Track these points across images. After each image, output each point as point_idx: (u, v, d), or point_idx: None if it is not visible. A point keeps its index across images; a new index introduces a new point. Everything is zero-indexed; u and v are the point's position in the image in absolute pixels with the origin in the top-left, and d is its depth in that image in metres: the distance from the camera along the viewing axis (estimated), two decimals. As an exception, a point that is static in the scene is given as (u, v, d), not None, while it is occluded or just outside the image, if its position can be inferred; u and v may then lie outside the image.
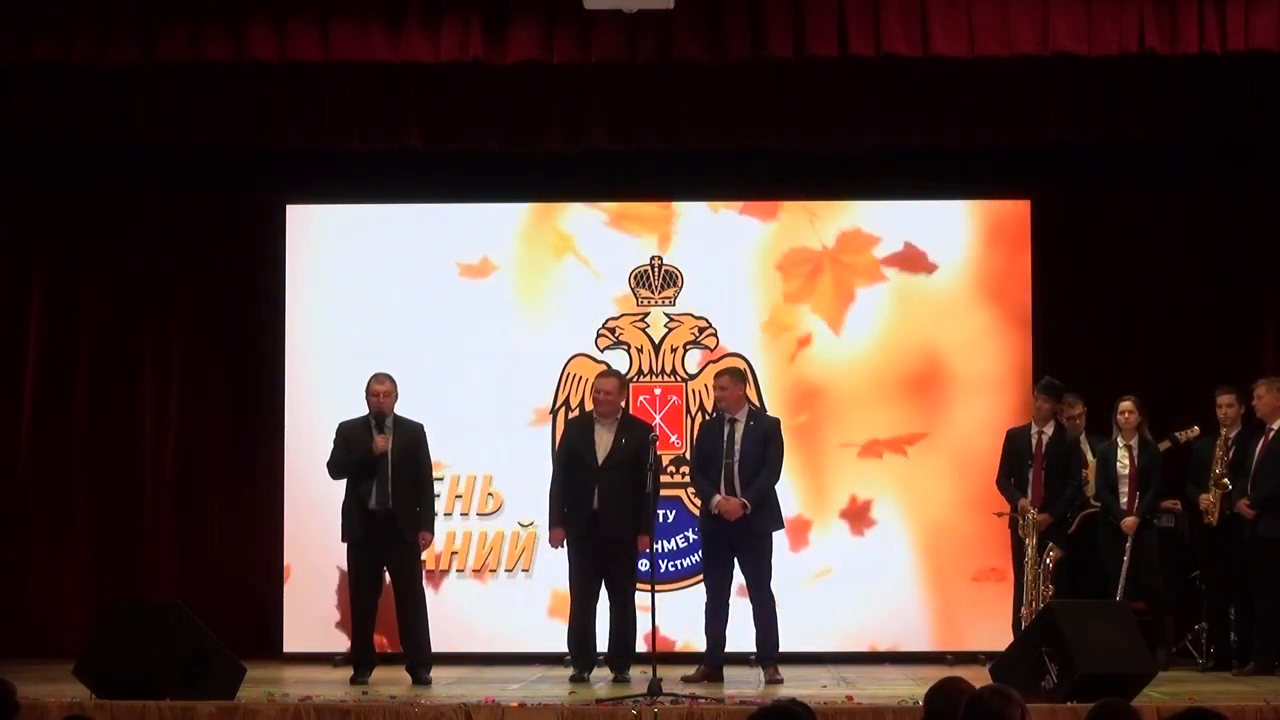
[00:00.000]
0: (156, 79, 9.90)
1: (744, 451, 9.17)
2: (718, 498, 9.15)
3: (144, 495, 11.01)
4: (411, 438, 9.24)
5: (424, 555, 9.61)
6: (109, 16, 9.08)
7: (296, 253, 10.80)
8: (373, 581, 9.17)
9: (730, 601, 9.26)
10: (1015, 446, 9.88)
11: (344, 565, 9.43)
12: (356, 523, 9.11)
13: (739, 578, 9.27)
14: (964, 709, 4.38)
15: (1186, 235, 11.02)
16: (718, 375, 9.45)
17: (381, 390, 9.23)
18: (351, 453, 9.18)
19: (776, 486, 9.27)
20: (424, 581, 9.40)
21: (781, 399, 10.52)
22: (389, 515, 9.07)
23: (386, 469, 9.10)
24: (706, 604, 9.30)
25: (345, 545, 9.26)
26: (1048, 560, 9.54)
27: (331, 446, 9.35)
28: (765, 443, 9.23)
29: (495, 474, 10.64)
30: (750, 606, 9.23)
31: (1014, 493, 9.81)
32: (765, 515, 9.20)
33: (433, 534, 9.43)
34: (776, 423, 9.45)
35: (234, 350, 11.15)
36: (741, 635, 9.38)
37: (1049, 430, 9.85)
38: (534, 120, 10.16)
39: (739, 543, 9.18)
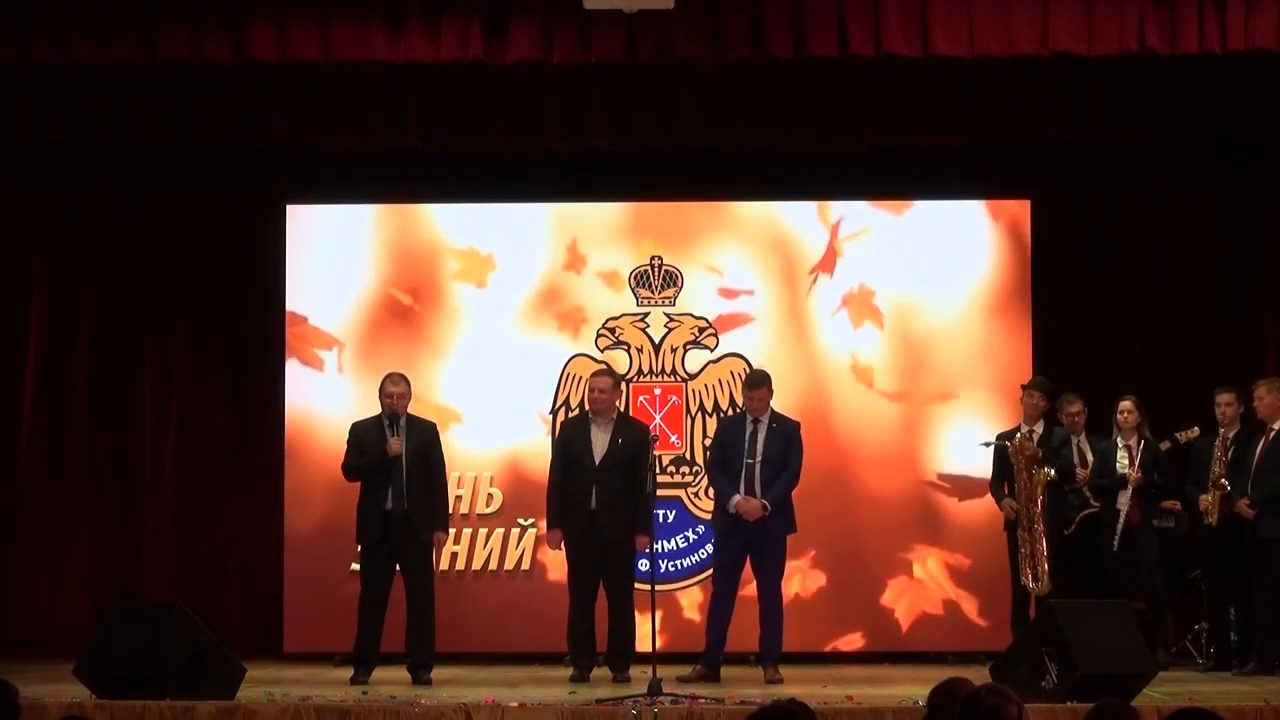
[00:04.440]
0: (156, 79, 9.89)
1: (767, 453, 9.18)
2: (737, 498, 9.15)
3: (144, 495, 11.01)
4: (425, 437, 9.24)
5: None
6: (109, 16, 9.08)
7: (296, 253, 10.80)
8: (385, 583, 9.16)
9: (734, 603, 9.26)
10: (1006, 449, 9.86)
11: (344, 566, 9.41)
12: (372, 525, 9.11)
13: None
14: (960, 708, 4.38)
15: (1186, 235, 11.02)
16: (759, 385, 9.30)
17: (396, 392, 9.22)
18: (366, 455, 9.17)
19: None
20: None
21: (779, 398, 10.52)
22: (404, 516, 9.07)
23: (401, 470, 9.09)
24: (712, 603, 9.30)
25: (358, 547, 9.28)
26: (1039, 480, 9.52)
27: (345, 448, 9.34)
28: (787, 446, 9.24)
29: (495, 474, 10.64)
30: (756, 607, 9.24)
31: (1006, 498, 9.80)
32: (783, 518, 9.21)
33: (447, 533, 9.46)
34: (797, 426, 9.43)
35: (234, 351, 11.14)
36: (741, 635, 9.38)
37: (1039, 429, 9.85)
38: (534, 120, 10.16)
39: (755, 544, 9.18)
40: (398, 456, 9.08)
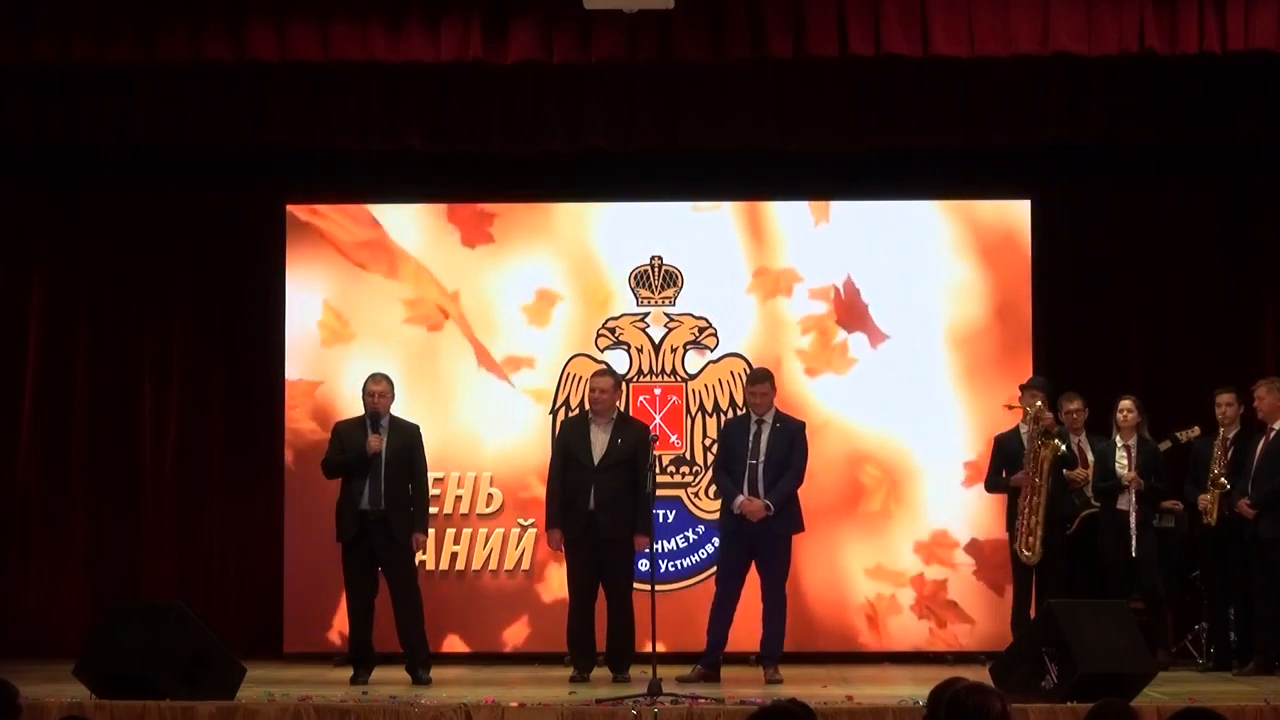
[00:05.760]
0: (156, 79, 9.90)
1: (770, 453, 9.17)
2: (741, 498, 9.14)
3: (144, 495, 11.01)
4: (407, 439, 9.24)
5: (420, 555, 9.61)
6: (109, 16, 9.08)
7: (296, 253, 10.80)
8: (366, 581, 9.16)
9: (737, 604, 9.26)
10: (1006, 450, 9.82)
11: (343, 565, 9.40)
12: (349, 522, 9.12)
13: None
14: (944, 712, 4.41)
15: (1186, 236, 11.02)
16: (761, 380, 9.33)
17: (378, 390, 9.23)
18: (346, 452, 9.18)
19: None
20: (419, 581, 9.39)
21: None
22: (381, 516, 9.07)
23: (380, 469, 9.10)
24: (714, 603, 9.29)
25: (341, 545, 9.27)
26: (1047, 454, 9.48)
27: (328, 446, 9.39)
28: (790, 446, 9.23)
29: (495, 474, 10.64)
30: (760, 606, 9.23)
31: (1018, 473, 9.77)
32: (787, 518, 9.20)
33: (426, 535, 9.43)
34: (802, 426, 9.43)
35: (234, 350, 11.14)
36: (740, 635, 9.38)
37: (1030, 423, 9.82)
38: (534, 120, 10.16)
39: (760, 544, 9.18)
40: (377, 455, 9.08)
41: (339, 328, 10.69)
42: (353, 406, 9.78)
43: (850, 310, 10.67)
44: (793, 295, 10.68)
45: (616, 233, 10.77)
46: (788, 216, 10.76)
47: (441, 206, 10.83)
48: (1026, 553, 9.56)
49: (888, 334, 10.66)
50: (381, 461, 9.11)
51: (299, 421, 10.65)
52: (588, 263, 10.72)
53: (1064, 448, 9.58)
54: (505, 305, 10.73)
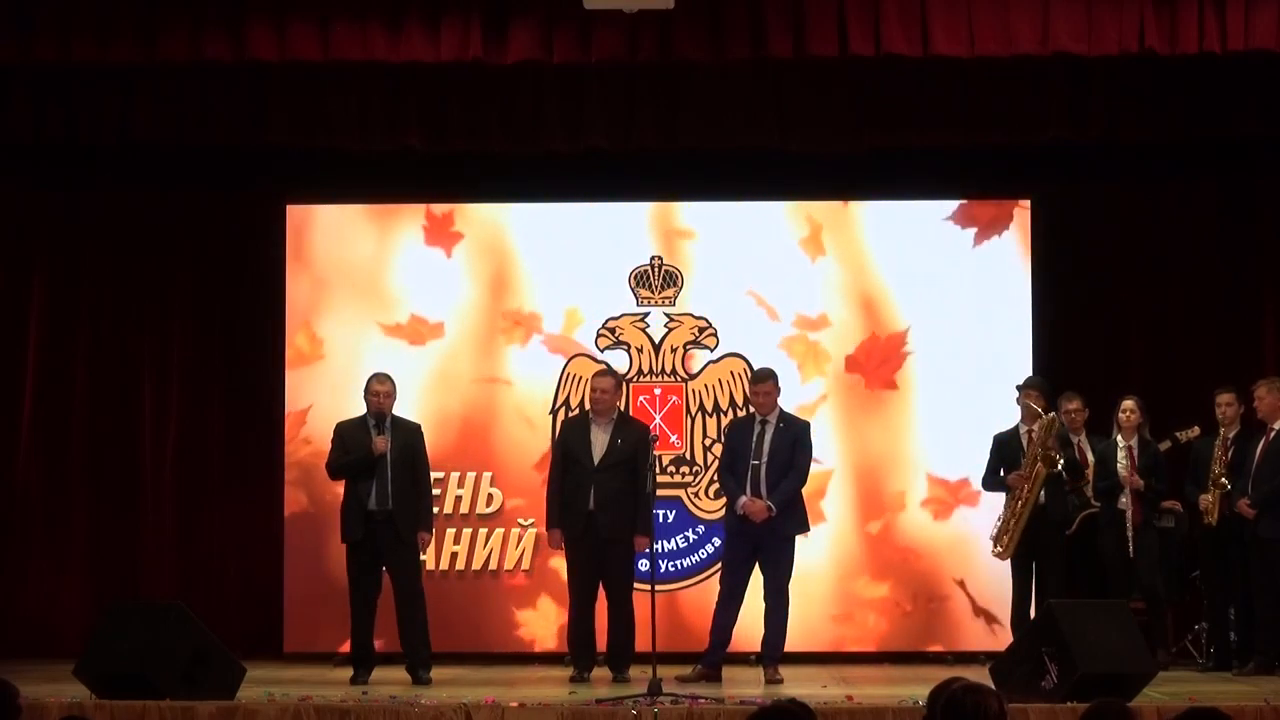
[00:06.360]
0: (156, 79, 9.90)
1: (773, 453, 9.16)
2: (744, 499, 9.14)
3: (144, 496, 11.01)
4: (410, 438, 9.25)
5: (423, 555, 9.62)
6: (109, 16, 9.08)
7: (296, 253, 10.81)
8: (371, 582, 9.17)
9: (742, 603, 9.25)
10: (1007, 450, 9.79)
11: (344, 565, 9.39)
12: (355, 523, 9.12)
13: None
14: (941, 711, 4.41)
15: (1186, 235, 11.03)
16: (764, 380, 9.31)
17: (382, 390, 9.23)
18: (350, 453, 9.18)
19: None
20: (423, 581, 9.41)
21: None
22: (388, 516, 9.07)
23: (385, 469, 9.10)
24: (718, 602, 9.29)
25: (345, 546, 9.26)
26: (1042, 465, 9.45)
27: (330, 448, 9.38)
28: (794, 446, 9.23)
29: (495, 474, 10.64)
30: (760, 606, 9.23)
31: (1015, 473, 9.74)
32: (792, 518, 9.19)
33: (431, 533, 9.44)
34: (806, 426, 9.42)
35: (234, 350, 11.15)
36: (740, 635, 9.38)
37: (1037, 429, 9.82)
38: (534, 120, 10.16)
39: (764, 544, 9.17)
40: (382, 455, 9.09)
41: (310, 349, 10.68)
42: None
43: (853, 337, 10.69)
44: (780, 320, 10.68)
45: (616, 233, 10.77)
46: (785, 245, 10.73)
47: (426, 207, 10.82)
48: (998, 549, 9.57)
49: (886, 335, 10.66)
50: (387, 462, 9.11)
51: (299, 422, 10.67)
52: (587, 263, 10.72)
53: (1062, 464, 9.55)
54: (505, 305, 10.73)
